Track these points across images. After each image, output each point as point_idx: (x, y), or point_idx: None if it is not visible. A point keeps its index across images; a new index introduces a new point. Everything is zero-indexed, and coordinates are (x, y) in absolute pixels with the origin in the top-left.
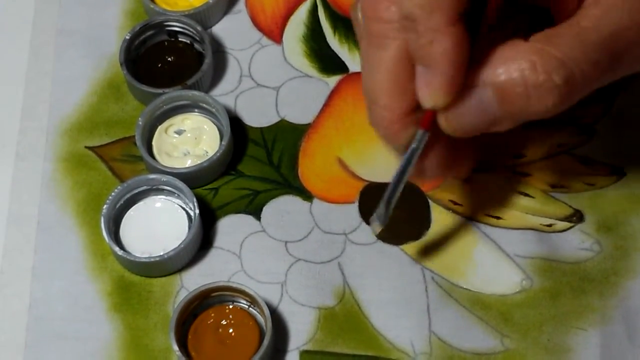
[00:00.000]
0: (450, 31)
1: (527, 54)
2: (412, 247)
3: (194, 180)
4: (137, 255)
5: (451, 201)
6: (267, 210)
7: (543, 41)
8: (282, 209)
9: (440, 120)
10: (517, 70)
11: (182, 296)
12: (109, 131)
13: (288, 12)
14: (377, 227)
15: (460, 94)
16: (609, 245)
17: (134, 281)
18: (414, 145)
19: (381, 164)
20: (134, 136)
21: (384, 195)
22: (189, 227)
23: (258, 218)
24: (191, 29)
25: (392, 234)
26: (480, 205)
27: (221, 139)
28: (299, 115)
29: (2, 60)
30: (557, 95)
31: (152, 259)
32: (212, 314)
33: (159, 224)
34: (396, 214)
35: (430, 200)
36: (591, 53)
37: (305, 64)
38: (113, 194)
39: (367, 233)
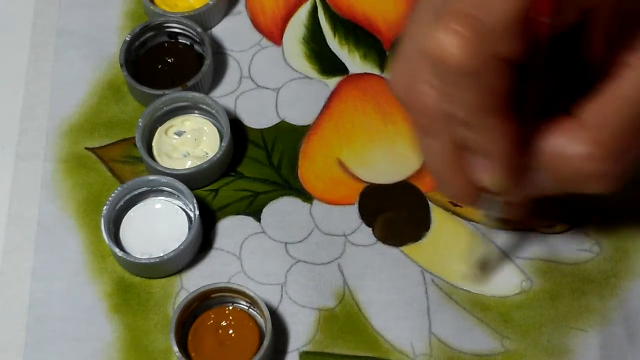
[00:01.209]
0: (503, 127)
1: (579, 142)
2: (412, 248)
3: (194, 181)
4: (137, 256)
5: (451, 202)
6: (267, 211)
7: (593, 125)
8: (283, 210)
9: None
10: (572, 160)
11: (182, 297)
12: (109, 132)
13: (288, 14)
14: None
15: (521, 174)
16: (609, 247)
17: (134, 282)
18: (492, 215)
19: (381, 166)
20: (134, 137)
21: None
22: (189, 229)
23: (258, 219)
24: (191, 31)
25: (392, 236)
26: None
27: (221, 141)
28: (299, 116)
29: (2, 61)
30: (610, 179)
31: (153, 261)
32: (212, 315)
33: (159, 225)
34: (396, 215)
35: (430, 202)
36: (634, 126)
37: (305, 66)
38: (113, 195)
39: (367, 234)
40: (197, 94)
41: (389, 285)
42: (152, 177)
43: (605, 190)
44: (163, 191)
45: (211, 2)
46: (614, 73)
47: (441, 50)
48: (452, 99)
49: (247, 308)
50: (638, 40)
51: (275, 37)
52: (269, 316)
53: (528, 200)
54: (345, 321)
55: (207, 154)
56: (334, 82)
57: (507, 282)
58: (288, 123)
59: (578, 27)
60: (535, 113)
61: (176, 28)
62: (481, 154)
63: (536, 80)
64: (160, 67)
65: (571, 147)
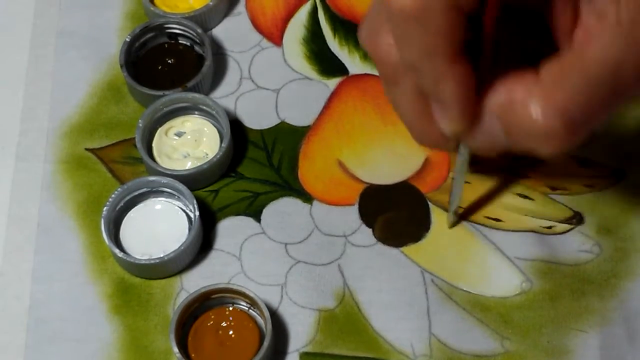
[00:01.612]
0: (453, 71)
1: (532, 96)
2: (411, 249)
3: (194, 182)
4: (137, 257)
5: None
6: (267, 212)
7: (550, 82)
8: (282, 211)
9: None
10: (521, 111)
11: (182, 298)
12: (109, 133)
13: (288, 15)
14: (452, 218)
15: (476, 120)
16: (608, 247)
17: (134, 283)
18: (461, 159)
19: (381, 166)
20: (134, 138)
21: (450, 199)
22: (189, 229)
23: (258, 220)
24: (191, 31)
25: (392, 236)
26: (480, 207)
27: (221, 141)
28: (299, 117)
29: (2, 62)
30: (558, 141)
31: (152, 261)
32: (212, 316)
33: (159, 226)
34: (396, 216)
35: (429, 202)
36: (596, 90)
37: (305, 66)
38: (113, 195)
39: (366, 235)
40: (197, 95)
41: (389, 285)
42: (152, 178)
43: (552, 152)
44: (163, 192)
45: (211, 3)
46: (578, 37)
47: None
48: (404, 45)
49: (247, 308)
50: (601, 4)
51: (275, 37)
52: (269, 317)
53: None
54: (345, 322)
55: (207, 154)
56: (333, 82)
57: (507, 282)
58: (288, 124)
59: None
60: (492, 66)
61: (176, 29)
62: (434, 99)
63: (491, 32)
64: (160, 67)
65: (523, 100)
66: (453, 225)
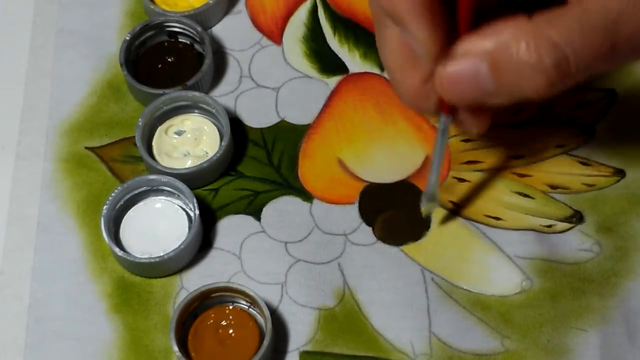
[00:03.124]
0: (428, 23)
1: (523, 33)
2: (411, 247)
3: (194, 180)
4: (137, 256)
5: (451, 202)
6: (267, 211)
7: (543, 21)
8: (282, 209)
9: (438, 88)
10: (511, 47)
11: (182, 297)
12: (109, 132)
13: (288, 13)
14: (430, 207)
15: (459, 62)
16: (609, 246)
17: (134, 282)
18: (441, 127)
19: (381, 165)
20: (134, 137)
21: (429, 177)
22: (189, 228)
23: (258, 219)
24: (191, 30)
25: (392, 235)
26: (480, 206)
27: (221, 140)
28: (299, 115)
29: (2, 60)
30: (546, 77)
31: (152, 260)
32: (212, 315)
33: (159, 224)
34: (396, 215)
35: None
36: (590, 37)
37: (305, 65)
38: (113, 194)
39: (366, 234)
40: (196, 93)
41: (389, 284)
42: (151, 177)
43: (538, 91)
44: (163, 190)
45: (211, 1)
46: None
47: None
48: None
49: (247, 307)
50: None
51: (275, 36)
52: (269, 315)
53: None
54: (345, 320)
55: (207, 153)
56: (333, 81)
57: (507, 281)
58: (288, 122)
59: None
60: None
61: (176, 27)
62: (415, 48)
63: None
64: (160, 66)
65: (514, 36)
66: (427, 213)
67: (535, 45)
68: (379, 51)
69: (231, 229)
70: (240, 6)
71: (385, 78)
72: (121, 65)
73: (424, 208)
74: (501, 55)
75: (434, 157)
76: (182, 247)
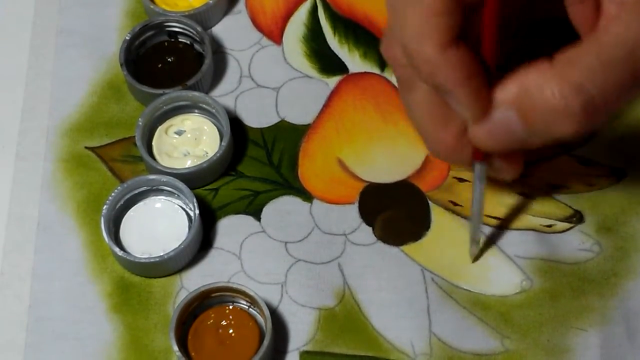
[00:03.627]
0: (445, 58)
1: (548, 79)
2: (412, 247)
3: (194, 180)
4: (137, 255)
5: (451, 202)
6: (267, 210)
7: (563, 63)
8: (282, 209)
9: (473, 137)
10: (537, 94)
11: (182, 297)
12: (109, 132)
13: (288, 13)
14: (476, 250)
15: (490, 111)
16: (609, 246)
17: (134, 282)
18: (477, 175)
19: (381, 165)
20: (134, 137)
21: (471, 225)
22: (189, 228)
23: (258, 219)
24: (191, 30)
25: (392, 235)
26: None
27: (221, 140)
28: (299, 115)
29: (2, 60)
30: (576, 120)
31: (152, 260)
32: (212, 315)
33: (159, 224)
34: (396, 214)
35: (430, 201)
36: (612, 71)
37: (305, 65)
38: (113, 194)
39: (367, 233)
40: (196, 93)
41: (389, 284)
42: (151, 176)
43: (571, 132)
44: (163, 190)
45: (211, 1)
46: (599, 26)
47: None
48: (399, 28)
49: (247, 307)
50: None
51: (275, 36)
52: (269, 315)
53: (512, 157)
54: (345, 320)
55: (207, 153)
56: (333, 81)
57: (507, 281)
58: (288, 122)
59: None
60: (498, 57)
61: (176, 27)
62: (441, 91)
63: (492, 22)
64: (160, 66)
65: (538, 83)
66: (476, 258)
67: (559, 91)
68: (407, 109)
69: (231, 228)
70: (240, 6)
71: (385, 78)
72: (121, 65)
73: (471, 255)
74: (528, 102)
75: (474, 205)
76: (182, 247)
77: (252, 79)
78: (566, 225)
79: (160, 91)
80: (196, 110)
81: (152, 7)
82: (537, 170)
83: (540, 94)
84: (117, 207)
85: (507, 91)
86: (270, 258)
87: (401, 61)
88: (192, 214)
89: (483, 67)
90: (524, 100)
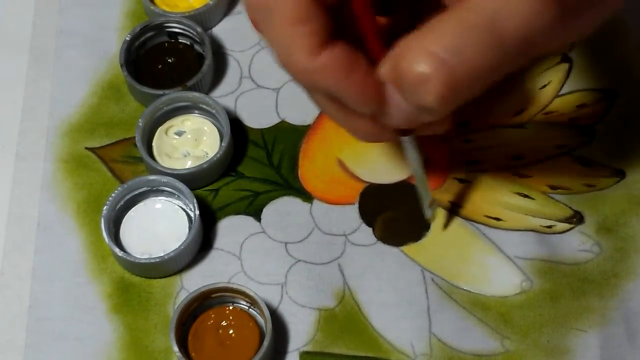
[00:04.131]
0: (319, 63)
1: (409, 49)
2: (412, 248)
3: (194, 181)
4: (137, 256)
5: (451, 202)
6: (267, 211)
7: (424, 32)
8: (282, 210)
9: (382, 121)
10: (403, 66)
11: (182, 297)
12: (109, 132)
13: None
14: (432, 213)
15: (384, 94)
16: (609, 247)
17: (134, 282)
18: (406, 147)
19: (381, 165)
20: (134, 137)
21: (419, 191)
22: (189, 228)
23: (258, 219)
24: (191, 30)
25: (392, 235)
26: (480, 206)
27: (221, 140)
28: (299, 116)
29: (2, 61)
30: (436, 90)
31: (152, 260)
32: (212, 315)
33: (159, 225)
34: (396, 215)
35: None
36: (471, 41)
37: None
38: (113, 195)
39: (367, 234)
40: (197, 94)
41: (389, 284)
42: (152, 177)
43: (435, 103)
44: (163, 191)
45: (211, 2)
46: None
47: None
48: (269, 40)
49: (247, 308)
50: None
51: None
52: (269, 316)
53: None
54: (345, 321)
55: (207, 153)
56: None
57: (507, 281)
58: (288, 122)
59: None
60: (383, 39)
61: (176, 28)
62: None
63: (361, 6)
64: (160, 66)
65: (402, 54)
66: (433, 218)
67: (418, 60)
68: (320, 109)
69: (231, 229)
70: (240, 7)
71: None
72: (121, 65)
73: (427, 218)
74: (397, 75)
75: (415, 172)
76: (182, 247)
77: (253, 80)
78: (566, 226)
79: (160, 92)
80: (196, 111)
81: (152, 7)
82: (537, 170)
83: (405, 66)
84: (117, 207)
85: (384, 68)
86: (270, 259)
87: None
88: (192, 214)
89: (368, 54)
90: (395, 74)
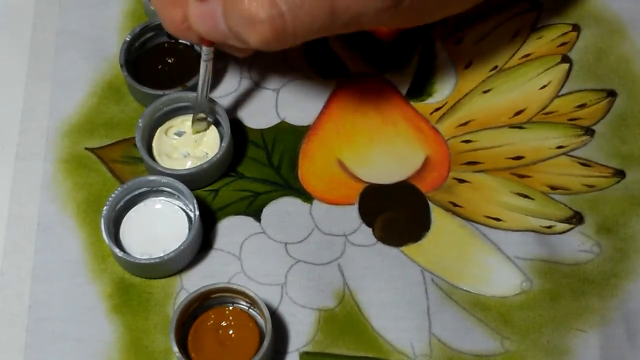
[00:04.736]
0: None
1: None
2: (411, 248)
3: (194, 181)
4: (137, 256)
5: (451, 202)
6: (267, 211)
7: None
8: (282, 210)
9: (188, 17)
10: None
11: (182, 297)
12: (109, 133)
13: None
14: (199, 125)
15: (203, 2)
16: (608, 247)
17: (134, 282)
18: (204, 58)
19: (381, 166)
20: (134, 138)
21: (195, 109)
22: (189, 229)
23: (258, 219)
24: None
25: (392, 235)
26: (480, 206)
27: (221, 141)
28: (299, 116)
29: (2, 61)
30: (262, 32)
31: (152, 261)
32: (212, 316)
33: (159, 225)
34: (396, 215)
35: (429, 202)
36: (314, 3)
37: (305, 66)
38: (113, 195)
39: (367, 234)
40: None
41: (389, 285)
42: (151, 177)
43: (257, 42)
44: (163, 191)
45: None
46: None
47: None
48: None
49: (247, 308)
50: None
51: None
52: (269, 316)
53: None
54: (345, 321)
55: (207, 154)
56: (334, 82)
57: (507, 282)
58: (288, 123)
59: None
60: None
61: None
62: None
63: None
64: (160, 67)
65: None
66: (196, 130)
67: (258, 2)
68: None
69: (231, 229)
70: None
71: (385, 79)
72: (121, 66)
73: (194, 130)
74: (230, 2)
75: (199, 82)
76: (182, 247)
77: (252, 80)
78: (566, 226)
79: (160, 92)
80: None
81: (152, 8)
82: (537, 171)
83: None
84: (117, 208)
85: None
86: (270, 259)
87: None
88: (192, 214)
89: None
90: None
